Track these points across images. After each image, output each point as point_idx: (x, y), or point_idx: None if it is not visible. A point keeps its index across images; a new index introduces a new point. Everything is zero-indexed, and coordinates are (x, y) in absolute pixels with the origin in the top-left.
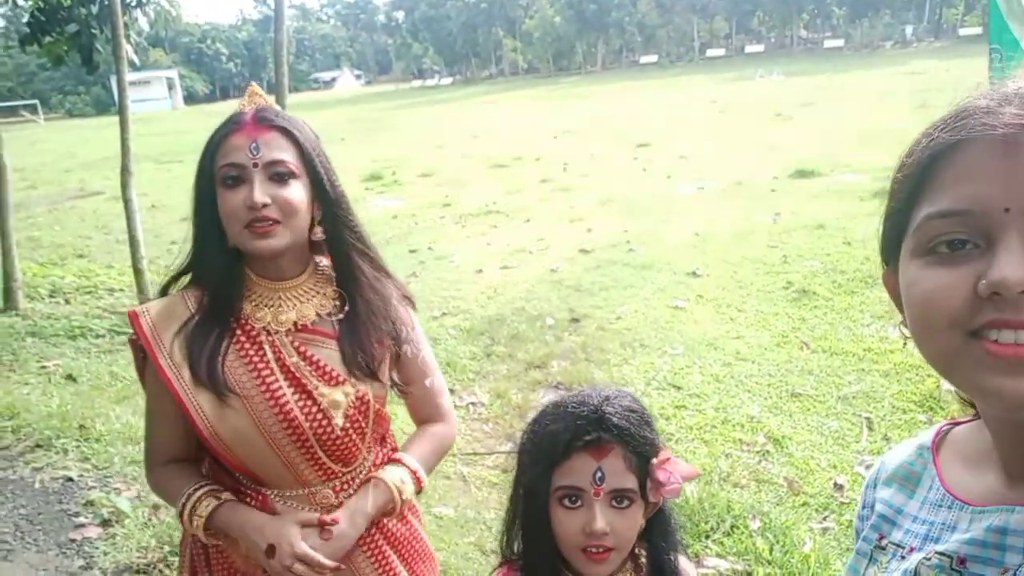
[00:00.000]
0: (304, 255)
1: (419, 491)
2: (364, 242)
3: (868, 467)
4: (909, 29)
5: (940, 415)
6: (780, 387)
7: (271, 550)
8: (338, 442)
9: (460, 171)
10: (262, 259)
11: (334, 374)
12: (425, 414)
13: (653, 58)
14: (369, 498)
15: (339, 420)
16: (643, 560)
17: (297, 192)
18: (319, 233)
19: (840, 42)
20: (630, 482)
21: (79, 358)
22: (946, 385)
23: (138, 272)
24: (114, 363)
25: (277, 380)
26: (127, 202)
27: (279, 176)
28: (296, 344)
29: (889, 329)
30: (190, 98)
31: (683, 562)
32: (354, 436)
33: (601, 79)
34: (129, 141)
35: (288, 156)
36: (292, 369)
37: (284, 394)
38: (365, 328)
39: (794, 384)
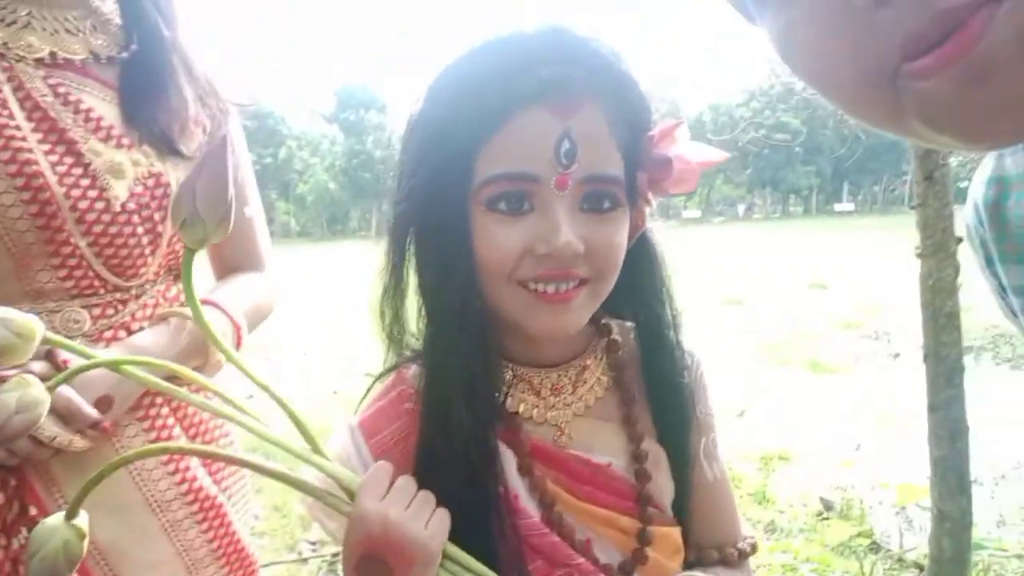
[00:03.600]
0: None
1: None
2: None
3: None
4: None
5: None
6: None
7: None
8: (112, 229)
9: None
10: None
11: (112, 131)
12: (236, 258)
13: None
14: (165, 338)
15: (120, 192)
16: (614, 329)
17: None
18: None
19: None
20: (614, 166)
21: None
22: None
23: None
24: None
25: (14, 118)
26: None
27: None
28: (52, 83)
29: None
30: None
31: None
32: (140, 230)
33: (376, 242)
34: None
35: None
36: (45, 108)
37: (23, 137)
38: (160, 82)
39: None
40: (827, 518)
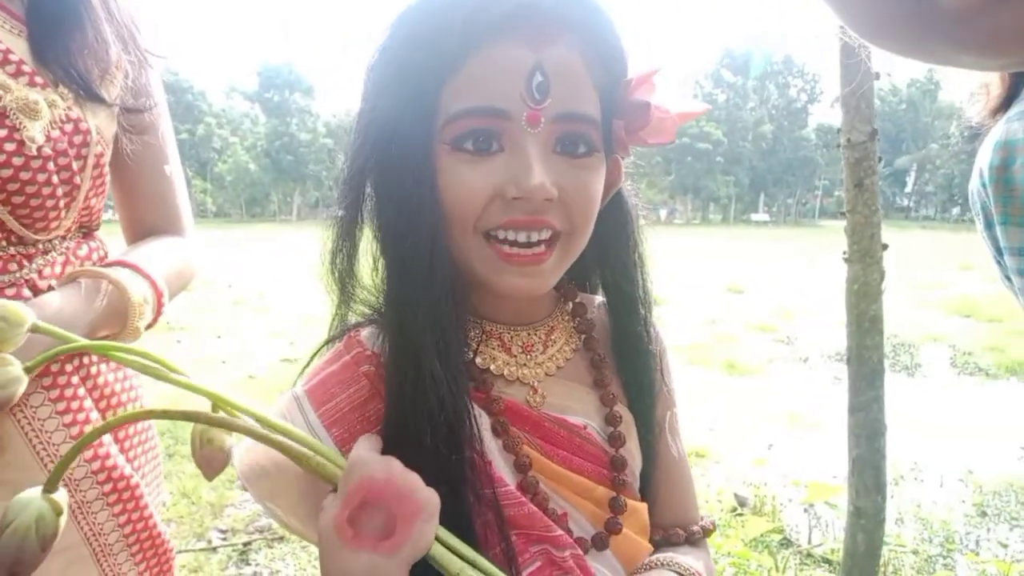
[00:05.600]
0: None
1: (156, 319)
2: None
3: None
4: None
5: None
6: None
7: None
8: (24, 175)
9: None
10: None
11: (23, 66)
12: (154, 220)
13: None
14: (78, 301)
15: (36, 134)
16: (578, 295)
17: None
18: None
19: None
20: (590, 106)
21: None
22: None
23: None
24: None
25: None
26: None
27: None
28: None
29: None
30: None
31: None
32: (56, 180)
33: (297, 227)
34: None
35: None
36: None
37: None
38: (75, 18)
39: None
40: (741, 514)
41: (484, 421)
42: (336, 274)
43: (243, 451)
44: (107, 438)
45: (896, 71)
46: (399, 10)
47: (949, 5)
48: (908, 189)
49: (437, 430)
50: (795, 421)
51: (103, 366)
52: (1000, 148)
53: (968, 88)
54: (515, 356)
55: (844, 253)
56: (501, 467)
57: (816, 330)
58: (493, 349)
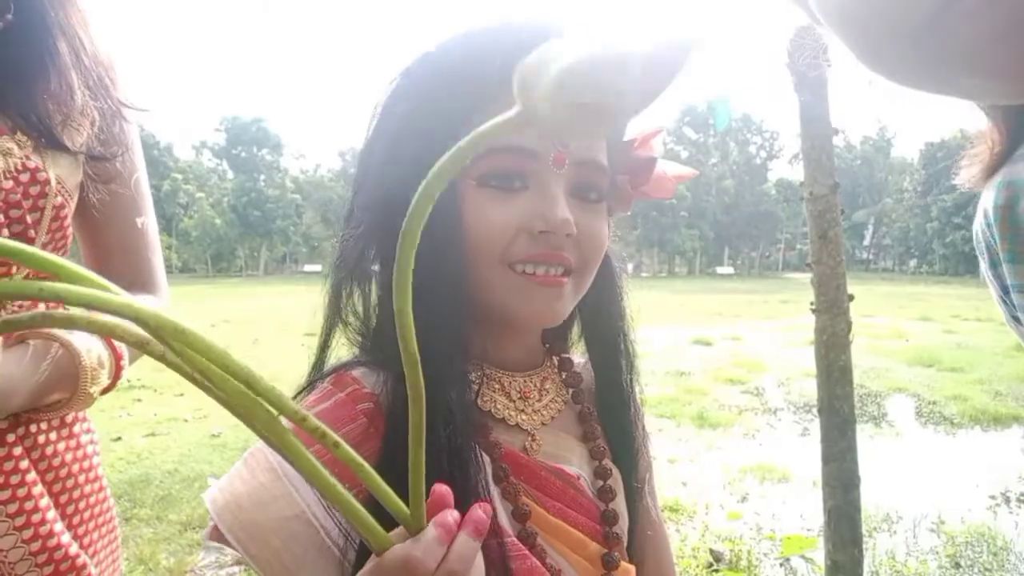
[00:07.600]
0: None
1: (114, 384)
2: None
3: None
4: None
5: None
6: None
7: None
8: None
9: None
10: None
11: None
12: (124, 274)
13: (317, 267)
14: (25, 364)
15: None
16: (564, 353)
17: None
18: None
19: None
20: (603, 156)
21: None
22: None
23: None
24: None
25: None
26: None
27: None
28: None
29: None
30: None
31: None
32: (6, 233)
33: (265, 282)
34: None
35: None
36: None
37: None
38: (38, 61)
39: None
40: (717, 570)
41: (487, 466)
42: (342, 314)
43: (217, 491)
44: (50, 514)
45: (850, 128)
46: (425, 51)
47: (965, 34)
48: (867, 242)
49: (451, 476)
50: (767, 473)
51: (52, 434)
52: (1005, 187)
53: (960, 158)
54: (514, 401)
55: (812, 304)
56: (500, 516)
57: (785, 381)
58: (494, 392)
